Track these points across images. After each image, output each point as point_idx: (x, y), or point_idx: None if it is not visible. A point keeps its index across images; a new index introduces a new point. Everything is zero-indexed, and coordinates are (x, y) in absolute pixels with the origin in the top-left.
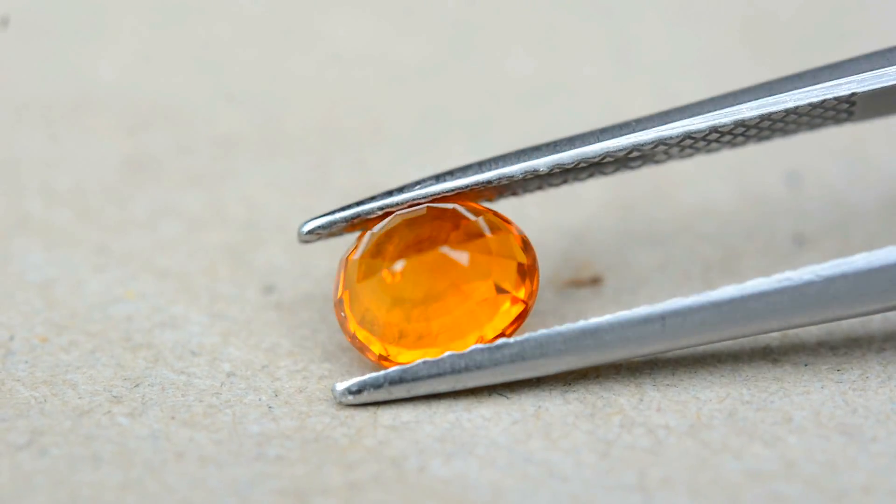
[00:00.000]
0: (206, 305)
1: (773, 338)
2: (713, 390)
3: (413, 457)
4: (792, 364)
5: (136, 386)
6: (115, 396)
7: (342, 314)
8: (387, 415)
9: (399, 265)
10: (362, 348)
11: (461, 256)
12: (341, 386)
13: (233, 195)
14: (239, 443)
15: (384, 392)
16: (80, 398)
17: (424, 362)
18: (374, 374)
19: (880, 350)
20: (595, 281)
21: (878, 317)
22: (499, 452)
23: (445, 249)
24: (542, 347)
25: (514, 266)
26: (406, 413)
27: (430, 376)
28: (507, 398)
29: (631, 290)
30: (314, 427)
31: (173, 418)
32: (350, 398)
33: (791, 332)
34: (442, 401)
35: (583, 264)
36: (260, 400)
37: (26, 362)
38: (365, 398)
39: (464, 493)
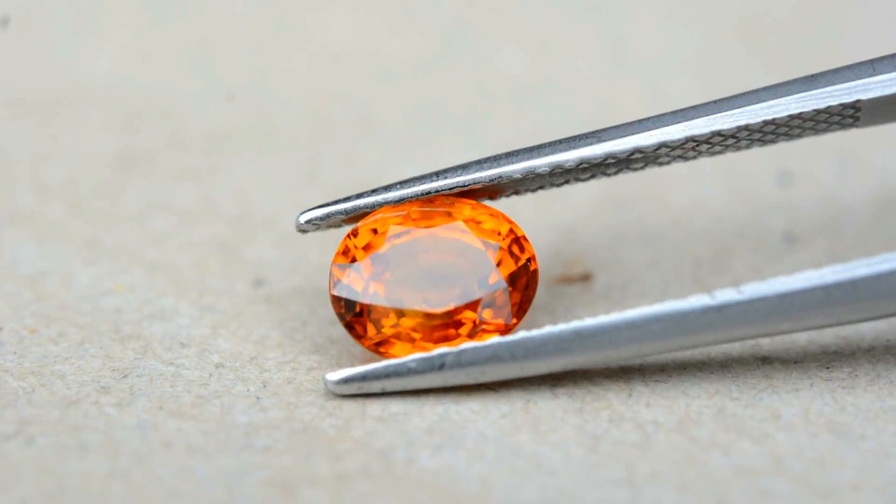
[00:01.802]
0: (195, 298)
1: None
2: (702, 387)
3: (401, 448)
4: (781, 362)
5: (125, 377)
6: (103, 387)
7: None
8: (375, 406)
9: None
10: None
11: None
12: (332, 377)
13: (224, 190)
14: (227, 433)
15: (374, 385)
16: (67, 388)
17: (415, 358)
18: (364, 367)
19: (869, 348)
20: (585, 277)
21: None
22: (487, 445)
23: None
24: (535, 347)
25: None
26: (395, 405)
27: (421, 371)
28: (496, 391)
29: (621, 286)
30: (302, 418)
31: (161, 408)
32: (340, 388)
33: None
34: (430, 393)
35: (573, 261)
36: (248, 391)
37: (15, 353)
38: (355, 390)
39: (452, 486)
